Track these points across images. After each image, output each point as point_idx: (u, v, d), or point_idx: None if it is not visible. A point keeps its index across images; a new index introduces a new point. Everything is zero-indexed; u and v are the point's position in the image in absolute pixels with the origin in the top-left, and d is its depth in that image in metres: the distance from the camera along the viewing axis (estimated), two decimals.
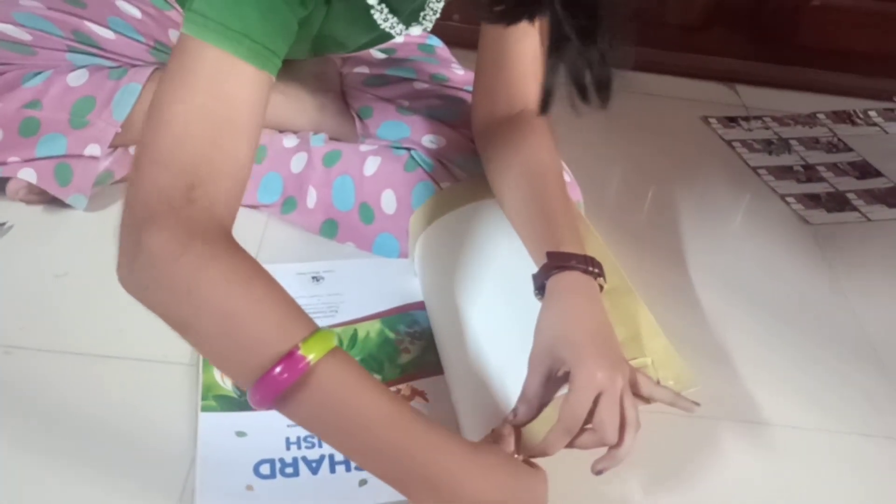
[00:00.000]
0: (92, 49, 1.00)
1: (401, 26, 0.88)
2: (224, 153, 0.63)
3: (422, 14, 0.90)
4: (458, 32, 0.98)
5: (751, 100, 1.50)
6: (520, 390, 0.72)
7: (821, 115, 1.47)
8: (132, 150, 1.01)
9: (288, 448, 0.75)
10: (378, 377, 0.82)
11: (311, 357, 0.58)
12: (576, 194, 0.98)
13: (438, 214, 0.92)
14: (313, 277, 0.93)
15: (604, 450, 0.71)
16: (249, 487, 0.72)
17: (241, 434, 0.76)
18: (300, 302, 0.88)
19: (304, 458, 0.74)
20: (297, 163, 1.03)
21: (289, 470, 0.73)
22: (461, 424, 0.78)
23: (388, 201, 0.99)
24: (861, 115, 1.49)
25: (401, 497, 0.62)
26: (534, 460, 0.69)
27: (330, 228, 1.02)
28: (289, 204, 1.03)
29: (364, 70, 1.13)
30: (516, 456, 0.68)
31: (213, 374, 0.80)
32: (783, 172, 1.31)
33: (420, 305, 0.91)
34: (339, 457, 0.75)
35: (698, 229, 1.15)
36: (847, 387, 0.93)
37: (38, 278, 0.90)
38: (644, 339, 0.80)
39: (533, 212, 0.82)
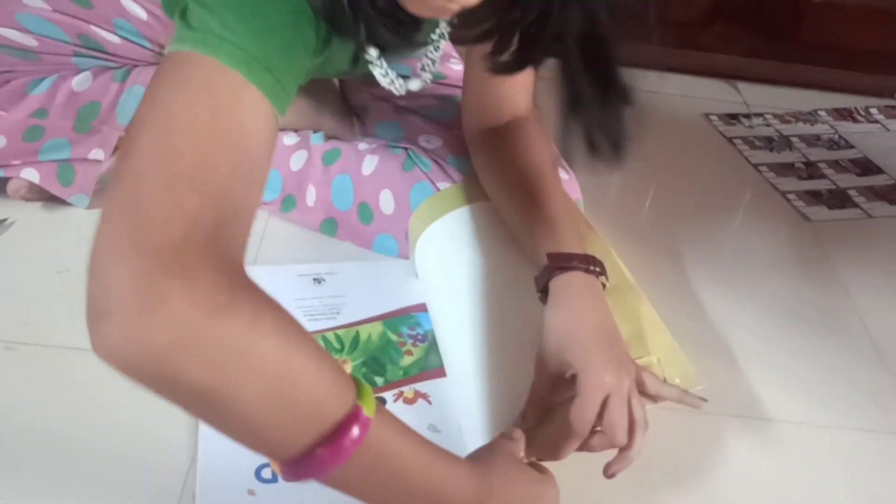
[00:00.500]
0: (98, 54, 1.00)
1: (400, 81, 0.83)
2: (246, 190, 0.52)
3: (420, 64, 0.86)
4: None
5: (752, 97, 1.50)
6: (523, 392, 0.72)
7: (822, 113, 1.47)
8: None
9: None
10: (381, 379, 0.82)
11: (370, 415, 0.51)
12: (574, 192, 0.98)
13: (438, 215, 0.92)
14: (315, 279, 0.93)
15: (613, 452, 0.71)
16: (251, 492, 0.71)
17: None
18: (302, 304, 0.89)
19: None
20: (297, 160, 1.03)
21: None
22: (464, 427, 0.78)
23: (386, 201, 0.99)
24: (862, 113, 1.49)
25: None
26: (544, 464, 0.69)
27: (329, 227, 1.02)
28: (288, 202, 1.03)
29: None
30: (525, 460, 0.68)
31: None
32: (784, 169, 1.30)
33: (422, 307, 0.91)
34: None
35: (699, 226, 1.15)
36: (849, 383, 0.93)
37: (40, 274, 0.91)
38: (648, 336, 0.80)
39: (530, 214, 0.82)
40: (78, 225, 0.97)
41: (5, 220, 0.96)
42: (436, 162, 0.99)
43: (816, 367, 0.95)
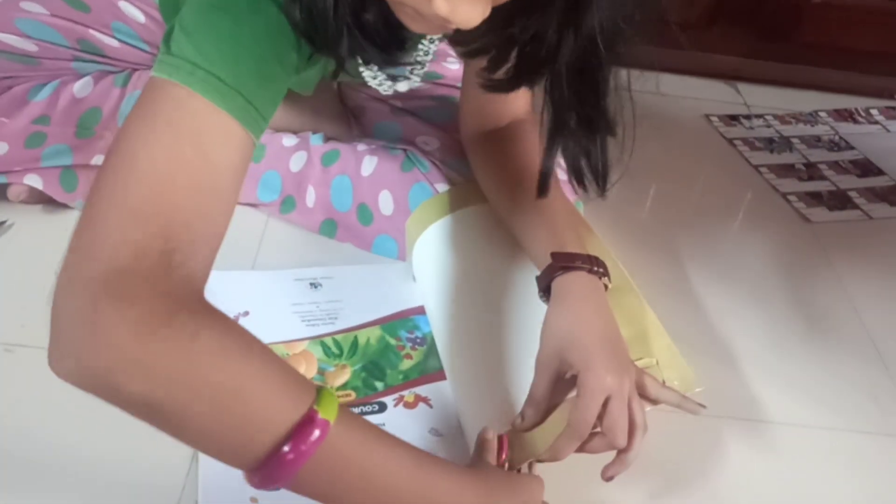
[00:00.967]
0: (97, 58, 1.00)
1: (388, 83, 0.85)
2: (205, 217, 0.55)
3: (409, 69, 0.86)
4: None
5: (752, 98, 1.49)
6: (524, 394, 0.72)
7: (822, 114, 1.47)
8: None
9: None
10: (381, 384, 0.82)
11: (328, 420, 0.52)
12: (573, 192, 0.98)
13: (435, 218, 0.92)
14: (311, 284, 0.93)
15: (612, 454, 0.71)
16: (254, 500, 0.71)
17: None
18: (300, 309, 0.88)
19: None
20: (297, 162, 1.03)
21: None
22: (465, 429, 0.78)
23: (385, 202, 0.98)
24: (863, 114, 1.49)
25: None
26: (540, 465, 0.69)
27: (329, 228, 1.02)
28: (288, 203, 1.03)
29: None
30: (506, 465, 0.68)
31: None
32: (785, 171, 1.30)
33: (420, 310, 0.91)
34: None
35: (699, 228, 1.15)
36: (849, 385, 0.93)
37: (39, 276, 0.89)
38: (649, 338, 0.80)
39: (532, 216, 0.82)
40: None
41: (4, 222, 0.96)
42: (433, 163, 0.99)
43: (816, 369, 0.95)
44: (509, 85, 0.67)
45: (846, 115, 1.48)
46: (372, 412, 0.80)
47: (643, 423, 0.70)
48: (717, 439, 0.84)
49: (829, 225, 1.20)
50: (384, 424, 0.79)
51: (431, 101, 1.08)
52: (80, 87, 0.97)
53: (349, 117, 1.10)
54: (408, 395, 0.82)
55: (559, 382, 0.71)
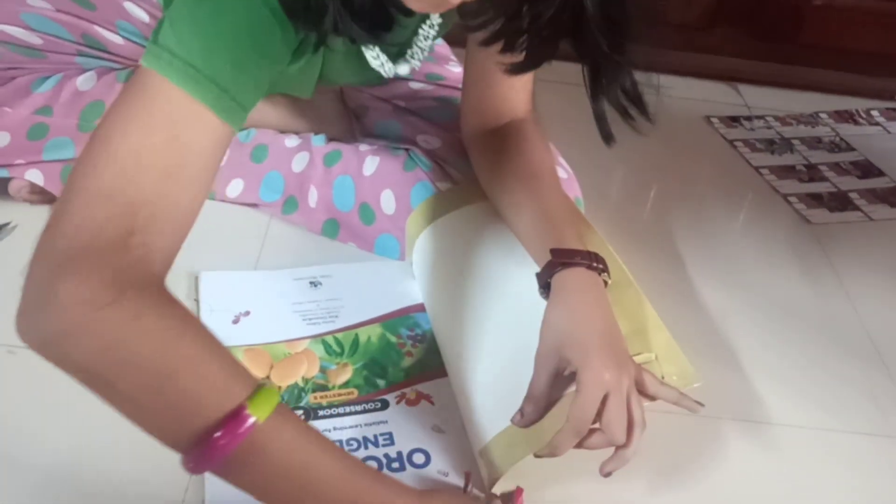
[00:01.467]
0: (101, 53, 1.00)
1: (389, 65, 0.86)
2: (170, 201, 0.57)
3: (409, 52, 0.87)
4: (456, 32, 0.99)
5: (753, 99, 1.50)
6: (524, 389, 0.72)
7: (823, 115, 1.47)
8: None
9: None
10: (382, 381, 0.82)
11: (257, 417, 0.53)
12: (574, 190, 0.99)
13: (436, 216, 0.92)
14: (311, 282, 0.93)
15: (610, 450, 0.71)
16: None
17: None
18: (300, 308, 0.88)
19: None
20: (299, 162, 1.03)
21: None
22: (467, 426, 0.78)
23: (387, 201, 0.99)
24: (863, 115, 1.49)
25: None
26: (539, 460, 0.69)
27: (331, 228, 1.02)
28: (290, 203, 1.03)
29: None
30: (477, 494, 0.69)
31: None
32: (785, 172, 1.31)
33: (420, 307, 0.91)
34: None
35: (700, 229, 1.15)
36: (849, 386, 0.93)
37: None
38: (648, 333, 0.80)
39: (532, 213, 0.82)
40: None
41: (7, 223, 0.96)
42: (435, 162, 0.99)
43: (816, 371, 0.95)
44: (531, 64, 0.67)
45: (847, 117, 1.48)
46: (374, 409, 0.80)
47: (642, 419, 0.70)
48: (716, 439, 0.85)
49: (830, 226, 1.20)
50: (387, 422, 0.79)
51: (433, 102, 1.09)
52: (84, 80, 0.98)
53: (351, 117, 1.10)
54: (409, 392, 0.82)
55: (558, 379, 0.71)
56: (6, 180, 0.98)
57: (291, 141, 1.05)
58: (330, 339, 0.87)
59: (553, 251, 0.76)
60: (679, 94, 1.47)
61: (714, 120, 1.42)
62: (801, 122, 1.45)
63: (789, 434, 0.87)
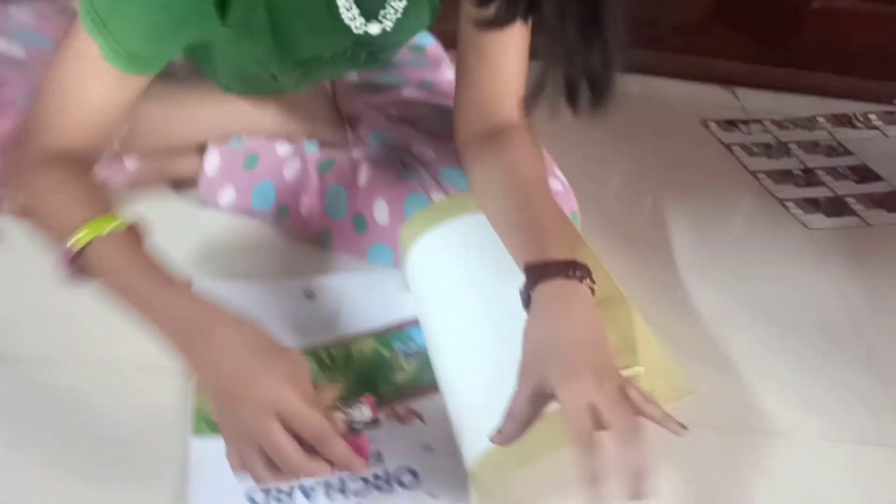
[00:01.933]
0: None
1: (361, 20, 0.85)
2: (72, 122, 0.78)
3: (382, 13, 0.86)
4: (452, 35, 0.99)
5: (750, 103, 1.49)
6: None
7: (820, 119, 1.47)
8: (128, 162, 1.01)
9: None
10: (373, 395, 0.81)
11: (75, 241, 0.71)
12: (570, 205, 0.98)
13: (428, 227, 0.91)
14: (305, 293, 0.92)
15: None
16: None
17: None
18: (294, 320, 0.88)
19: (299, 485, 0.73)
20: (291, 170, 1.03)
21: (283, 497, 0.72)
22: (460, 443, 0.77)
23: (380, 211, 0.98)
24: (861, 119, 1.48)
25: None
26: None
27: (324, 237, 1.01)
28: (282, 212, 1.03)
29: (354, 77, 1.13)
30: None
31: (203, 399, 0.78)
32: (782, 177, 1.30)
33: (414, 321, 0.90)
34: (335, 483, 0.74)
35: (697, 234, 1.15)
36: (847, 394, 0.93)
37: (31, 286, 0.90)
38: (637, 347, 0.79)
39: (517, 222, 0.81)
40: None
41: None
42: (429, 173, 0.98)
43: (813, 378, 0.94)
44: (505, 17, 0.65)
45: (844, 121, 1.47)
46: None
47: (657, 408, 0.66)
48: (714, 449, 0.84)
49: (827, 232, 1.19)
50: (379, 441, 0.78)
51: (427, 111, 1.08)
52: None
53: (345, 123, 1.10)
54: (400, 408, 0.81)
55: (539, 397, 0.67)
56: None
57: (283, 149, 1.04)
58: (322, 352, 0.86)
59: (528, 266, 0.74)
60: (676, 98, 1.47)
61: (711, 124, 1.41)
62: (799, 126, 1.44)
63: (786, 443, 0.86)
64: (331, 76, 1.07)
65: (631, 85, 1.46)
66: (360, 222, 0.99)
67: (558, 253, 0.75)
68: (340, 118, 1.10)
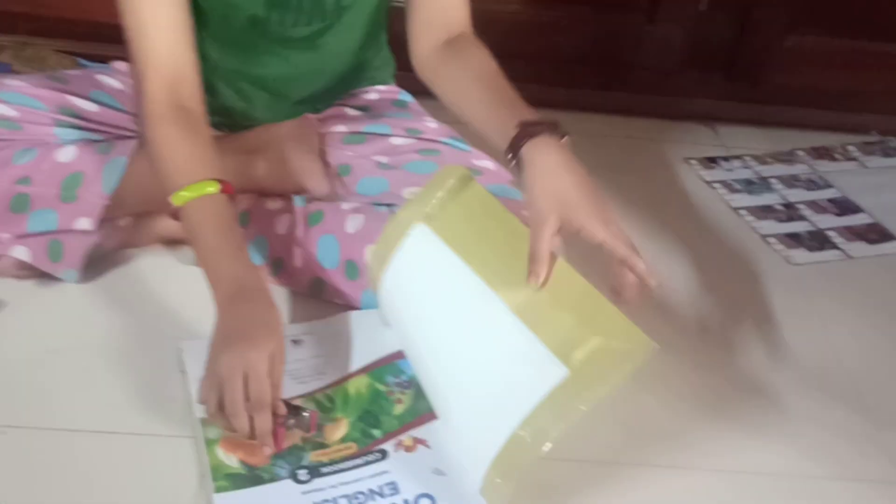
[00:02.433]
0: (77, 121, 1.02)
1: None
2: (156, 54, 0.91)
3: None
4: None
5: (730, 139, 1.52)
6: (498, 423, 0.76)
7: (800, 153, 1.49)
8: (121, 222, 1.03)
9: None
10: (378, 431, 0.84)
11: (175, 199, 0.86)
12: (502, 177, 1.04)
13: (384, 261, 0.92)
14: (293, 341, 0.93)
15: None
16: None
17: None
18: (287, 368, 0.86)
19: None
20: (282, 224, 1.05)
21: None
22: (463, 465, 0.79)
23: None
24: (840, 150, 1.51)
25: None
26: None
27: (317, 287, 1.03)
28: (276, 265, 1.04)
29: (342, 128, 1.15)
30: None
31: (217, 454, 0.80)
32: (764, 212, 1.32)
33: (400, 354, 0.92)
34: None
35: (680, 274, 1.17)
36: (832, 432, 0.94)
37: (32, 355, 0.91)
38: (595, 316, 0.80)
39: (490, 103, 0.92)
40: (70, 301, 0.98)
41: None
42: None
43: (799, 417, 0.96)
44: None
45: (823, 153, 1.50)
46: (375, 460, 0.82)
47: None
48: (699, 490, 0.85)
49: (810, 267, 1.21)
50: (389, 471, 0.81)
51: (416, 155, 1.10)
52: (64, 153, 1.00)
53: (332, 176, 1.12)
54: (405, 438, 0.84)
55: (555, 236, 0.81)
56: None
57: (273, 203, 1.06)
58: (321, 395, 0.87)
59: (521, 123, 0.85)
60: (658, 137, 1.50)
61: (693, 161, 1.44)
62: (779, 160, 1.47)
63: (769, 483, 0.88)
64: (309, 32, 1.07)
65: (612, 125, 1.50)
66: (352, 269, 1.01)
67: (524, 115, 0.87)
68: (329, 172, 1.13)
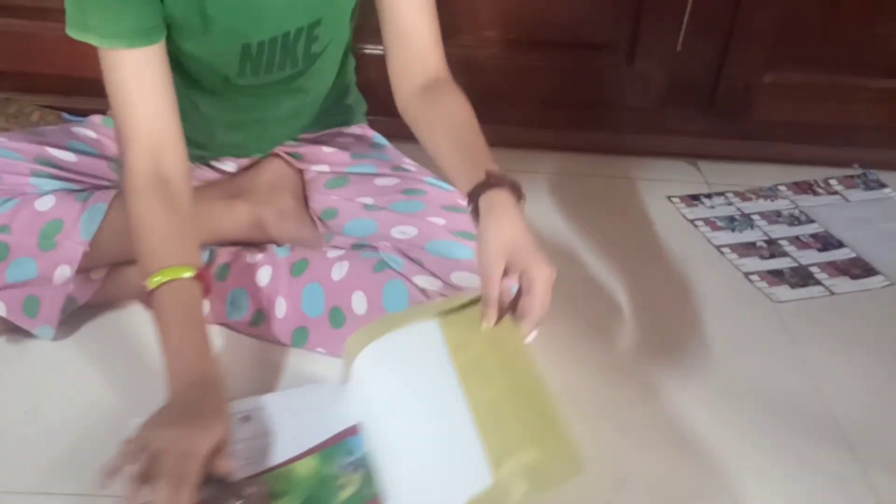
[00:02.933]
0: (55, 171, 1.03)
1: None
2: (133, 120, 0.91)
3: None
4: (398, 126, 1.06)
5: (713, 175, 1.52)
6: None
7: (782, 187, 1.50)
8: (94, 275, 1.04)
9: None
10: None
11: (150, 282, 0.87)
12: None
13: (378, 335, 0.91)
14: (242, 418, 0.90)
15: None
16: None
17: None
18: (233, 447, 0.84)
19: None
20: (263, 276, 1.05)
21: None
22: None
23: (358, 303, 1.00)
24: (822, 184, 1.52)
25: None
26: None
27: (301, 336, 1.03)
28: (257, 317, 1.04)
29: (324, 168, 1.16)
30: None
31: None
32: (746, 249, 1.33)
33: (353, 430, 0.89)
34: None
35: (662, 314, 1.17)
36: (818, 473, 0.94)
37: (6, 416, 0.91)
38: (540, 430, 0.81)
39: (459, 155, 0.96)
40: (45, 360, 0.98)
41: None
42: (407, 257, 1.00)
43: (784, 459, 0.95)
44: None
45: (805, 188, 1.51)
46: None
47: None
48: None
49: (793, 304, 1.21)
50: None
51: (402, 196, 1.11)
52: (42, 202, 1.00)
53: (315, 221, 1.12)
54: None
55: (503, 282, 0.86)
56: None
57: (253, 257, 1.07)
58: (267, 477, 0.83)
59: (488, 173, 0.91)
60: (640, 175, 1.50)
61: (675, 199, 1.44)
62: (761, 196, 1.48)
63: None
64: (281, 78, 1.08)
65: (595, 165, 1.51)
66: (338, 317, 1.01)
67: (489, 166, 0.92)
68: (309, 216, 1.13)
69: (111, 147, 1.09)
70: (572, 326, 1.09)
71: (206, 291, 0.90)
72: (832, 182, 1.53)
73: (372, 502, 0.83)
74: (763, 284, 1.25)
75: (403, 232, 1.03)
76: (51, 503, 0.82)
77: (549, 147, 1.52)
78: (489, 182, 0.90)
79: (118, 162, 1.07)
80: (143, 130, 0.91)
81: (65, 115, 1.34)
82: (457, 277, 0.98)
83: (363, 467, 0.86)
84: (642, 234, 1.35)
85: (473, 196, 0.91)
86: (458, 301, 0.91)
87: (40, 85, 1.43)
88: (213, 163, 1.17)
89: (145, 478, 0.74)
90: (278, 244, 1.10)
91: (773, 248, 1.34)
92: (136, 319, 1.05)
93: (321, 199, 1.13)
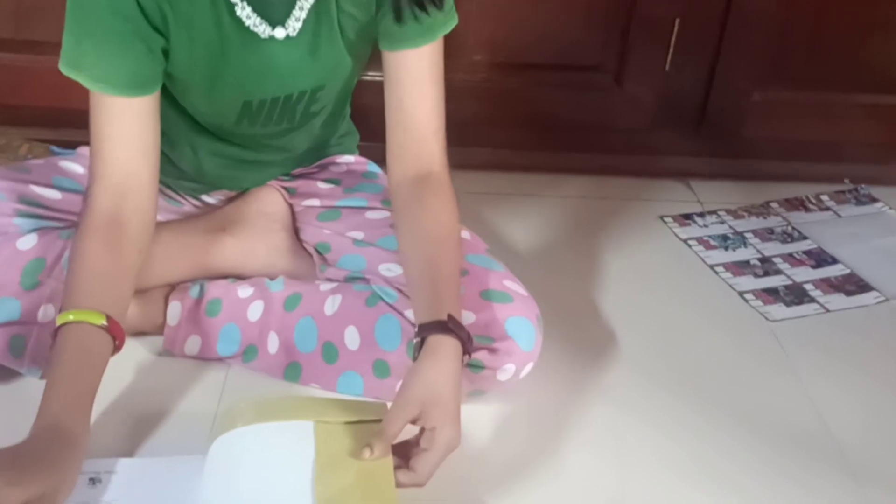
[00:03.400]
0: (39, 210, 1.02)
1: (265, 25, 0.95)
2: (106, 160, 0.92)
3: (287, 21, 0.96)
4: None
5: (705, 194, 1.52)
6: None
7: (774, 205, 1.50)
8: None
9: None
10: None
11: (58, 318, 0.86)
12: (479, 248, 1.06)
13: (247, 421, 0.87)
14: (90, 479, 0.84)
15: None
16: None
17: None
18: None
19: None
20: (255, 311, 1.04)
21: None
22: None
23: (351, 338, 1.00)
24: (814, 201, 1.52)
25: None
26: None
27: (293, 372, 1.03)
28: (249, 352, 1.04)
29: (315, 203, 1.16)
30: None
31: None
32: (740, 268, 1.33)
33: None
34: None
35: (658, 333, 1.17)
36: (816, 497, 0.93)
37: None
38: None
39: (427, 276, 0.93)
40: (32, 399, 0.96)
41: None
42: (400, 291, 1.00)
43: (782, 484, 0.94)
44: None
45: (797, 204, 1.51)
46: None
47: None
48: None
49: (788, 322, 1.21)
50: None
51: (390, 230, 1.10)
52: (24, 241, 0.98)
53: (308, 252, 1.12)
54: None
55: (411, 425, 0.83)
56: None
57: (244, 291, 1.06)
58: None
59: (450, 316, 0.88)
60: (633, 196, 1.50)
61: (668, 219, 1.44)
62: (753, 213, 1.48)
63: None
64: (277, 130, 1.08)
65: (586, 187, 1.51)
66: (330, 352, 1.01)
67: (451, 309, 0.89)
68: (303, 249, 1.13)
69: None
70: (565, 348, 1.08)
71: (117, 347, 0.88)
72: (824, 198, 1.53)
73: None
74: (758, 303, 1.25)
75: (389, 269, 1.03)
76: None
77: (541, 169, 1.52)
78: (446, 326, 0.88)
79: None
80: (111, 170, 0.91)
81: (53, 148, 1.34)
82: None
83: None
84: (635, 254, 1.35)
85: (424, 331, 0.88)
86: (354, 414, 0.88)
87: (28, 117, 1.43)
88: (204, 197, 1.16)
89: None
90: (270, 278, 1.09)
91: (766, 266, 1.34)
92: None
93: (315, 233, 1.13)
